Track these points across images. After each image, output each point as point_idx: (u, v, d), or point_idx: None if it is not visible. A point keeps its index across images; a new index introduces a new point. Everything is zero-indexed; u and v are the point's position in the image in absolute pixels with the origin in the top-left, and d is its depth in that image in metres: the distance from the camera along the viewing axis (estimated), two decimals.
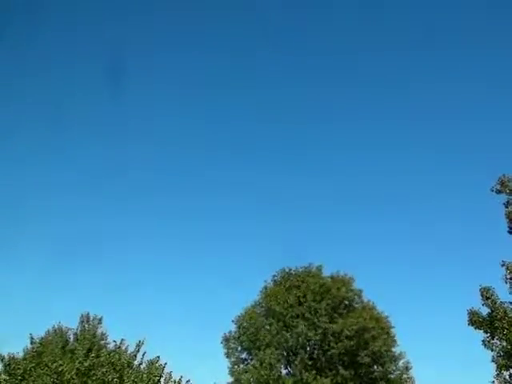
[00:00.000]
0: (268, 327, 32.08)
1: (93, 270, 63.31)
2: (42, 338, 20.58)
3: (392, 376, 33.83)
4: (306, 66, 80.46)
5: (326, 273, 33.52)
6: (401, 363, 34.14)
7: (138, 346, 19.51)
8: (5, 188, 69.47)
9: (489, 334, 18.57)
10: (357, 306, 33.29)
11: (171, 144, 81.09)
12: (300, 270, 33.78)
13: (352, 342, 30.70)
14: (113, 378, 16.99)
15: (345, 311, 32.39)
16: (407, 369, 34.15)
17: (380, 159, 78.43)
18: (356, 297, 33.59)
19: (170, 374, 18.96)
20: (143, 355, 19.42)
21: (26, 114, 73.43)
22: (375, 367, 33.20)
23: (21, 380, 16.99)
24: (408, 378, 34.23)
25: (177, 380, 19.16)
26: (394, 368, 34.08)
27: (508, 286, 18.75)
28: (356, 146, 79.99)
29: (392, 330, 33.63)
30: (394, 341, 33.62)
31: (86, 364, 17.05)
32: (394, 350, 33.81)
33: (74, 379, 16.50)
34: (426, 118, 77.45)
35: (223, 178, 78.51)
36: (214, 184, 77.68)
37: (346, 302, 32.85)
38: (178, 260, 73.07)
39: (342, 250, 61.69)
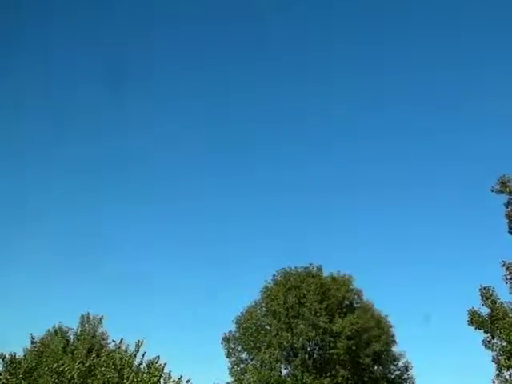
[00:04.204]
0: (268, 327, 32.06)
1: (93, 270, 63.34)
2: (43, 338, 20.59)
3: (392, 376, 33.91)
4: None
5: (326, 273, 33.54)
6: (401, 363, 34.27)
7: (138, 346, 19.49)
8: (5, 188, 69.56)
9: (489, 334, 18.60)
10: (357, 305, 33.30)
11: (171, 145, 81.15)
12: (300, 270, 33.71)
13: (352, 342, 30.66)
14: (113, 378, 16.96)
15: (345, 311, 32.36)
16: (407, 369, 34.25)
17: (379, 158, 78.45)
18: (356, 297, 33.62)
19: (169, 373, 18.93)
20: (143, 355, 19.40)
21: (27, 115, 73.39)
22: (375, 367, 33.25)
23: (22, 379, 16.99)
24: (408, 377, 34.32)
25: (177, 380, 19.11)
26: (394, 368, 34.17)
27: (508, 285, 18.87)
28: (358, 139, 79.98)
29: (392, 329, 33.73)
30: (394, 341, 33.69)
31: (86, 364, 17.04)
32: (393, 349, 33.93)
33: (74, 379, 16.50)
34: (425, 119, 77.48)
35: (223, 178, 78.59)
36: (214, 185, 77.87)
37: (346, 302, 32.83)
38: (179, 260, 73.14)
39: (342, 250, 61.74)
